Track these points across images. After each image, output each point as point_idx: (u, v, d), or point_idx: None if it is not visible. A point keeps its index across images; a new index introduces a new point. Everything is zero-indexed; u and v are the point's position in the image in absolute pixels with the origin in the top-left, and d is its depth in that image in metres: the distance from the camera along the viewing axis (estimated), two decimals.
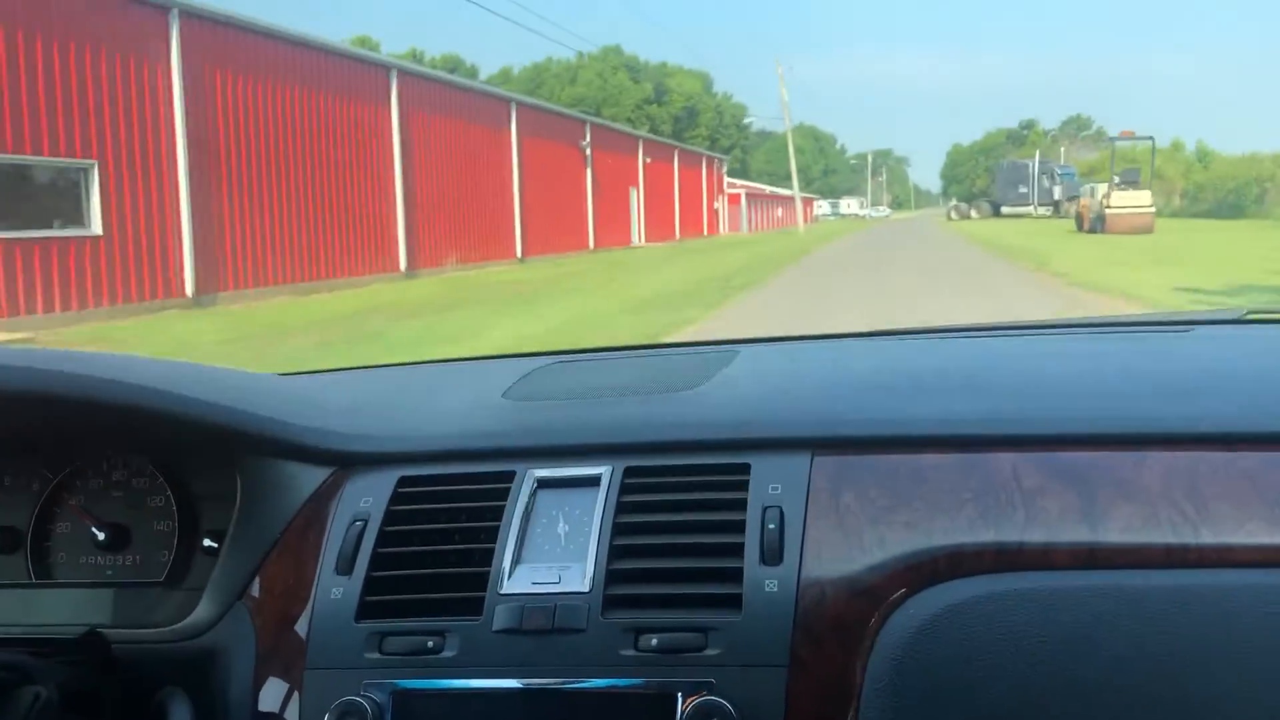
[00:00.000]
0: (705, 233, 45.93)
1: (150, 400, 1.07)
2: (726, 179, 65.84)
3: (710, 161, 52.37)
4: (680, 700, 0.91)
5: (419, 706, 0.96)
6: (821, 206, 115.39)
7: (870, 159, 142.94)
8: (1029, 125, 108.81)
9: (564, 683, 0.94)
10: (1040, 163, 59.94)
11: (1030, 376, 1.20)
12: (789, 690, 0.91)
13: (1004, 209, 59.08)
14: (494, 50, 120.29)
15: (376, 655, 0.98)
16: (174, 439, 1.16)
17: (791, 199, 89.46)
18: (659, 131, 79.08)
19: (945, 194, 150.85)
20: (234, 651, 1.06)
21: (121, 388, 1.05)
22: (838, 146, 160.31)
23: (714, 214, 51.11)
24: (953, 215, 61.14)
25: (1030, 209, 57.30)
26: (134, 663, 1.06)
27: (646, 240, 36.88)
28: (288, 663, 1.02)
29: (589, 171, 32.31)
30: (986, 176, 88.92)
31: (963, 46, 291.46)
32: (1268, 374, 1.16)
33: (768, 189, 79.97)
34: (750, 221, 64.24)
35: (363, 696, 0.95)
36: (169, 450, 1.20)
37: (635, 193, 37.39)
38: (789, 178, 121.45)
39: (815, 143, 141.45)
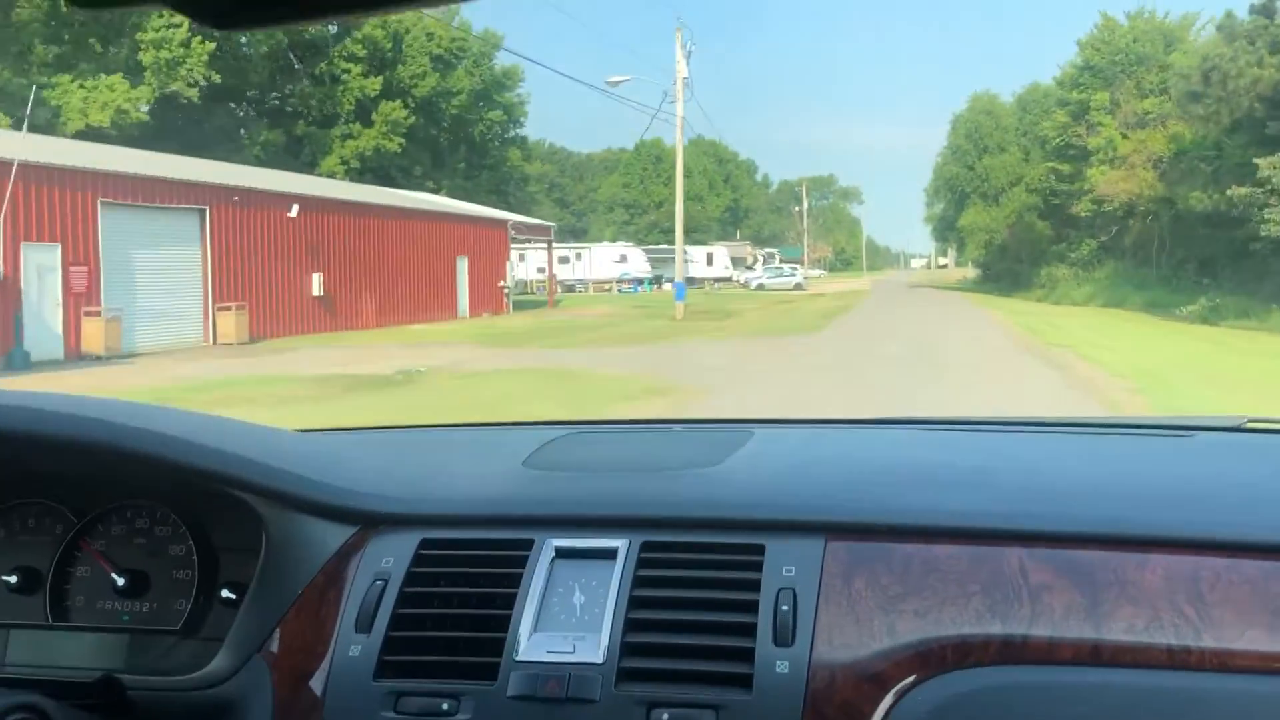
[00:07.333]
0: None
1: (184, 454, 1.09)
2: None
3: None
4: None
5: None
6: (629, 261, 51.15)
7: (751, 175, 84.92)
8: None
9: None
10: None
11: (1039, 475, 1.23)
12: None
13: None
14: None
15: (392, 714, 1.01)
16: (201, 491, 1.16)
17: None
18: None
19: (938, 233, 70.16)
20: (250, 704, 1.08)
21: (157, 438, 1.08)
22: (758, 177, 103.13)
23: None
24: None
25: None
26: (149, 709, 1.08)
27: None
28: (304, 718, 1.04)
29: None
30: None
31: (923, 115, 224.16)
32: (1266, 484, 1.19)
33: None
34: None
35: None
36: (193, 500, 1.22)
37: None
38: (657, 208, 63.48)
39: (721, 166, 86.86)
